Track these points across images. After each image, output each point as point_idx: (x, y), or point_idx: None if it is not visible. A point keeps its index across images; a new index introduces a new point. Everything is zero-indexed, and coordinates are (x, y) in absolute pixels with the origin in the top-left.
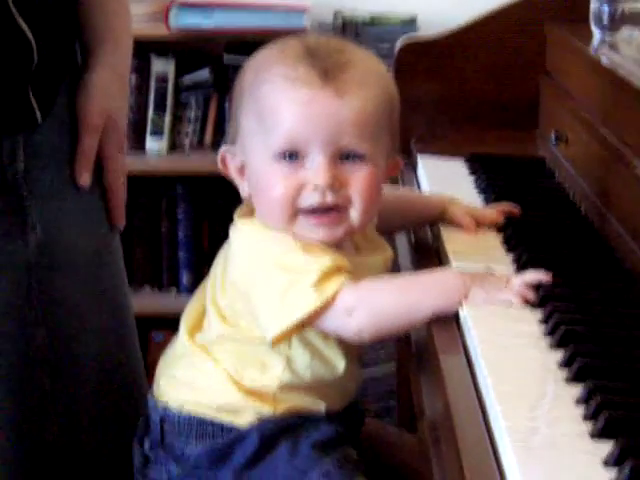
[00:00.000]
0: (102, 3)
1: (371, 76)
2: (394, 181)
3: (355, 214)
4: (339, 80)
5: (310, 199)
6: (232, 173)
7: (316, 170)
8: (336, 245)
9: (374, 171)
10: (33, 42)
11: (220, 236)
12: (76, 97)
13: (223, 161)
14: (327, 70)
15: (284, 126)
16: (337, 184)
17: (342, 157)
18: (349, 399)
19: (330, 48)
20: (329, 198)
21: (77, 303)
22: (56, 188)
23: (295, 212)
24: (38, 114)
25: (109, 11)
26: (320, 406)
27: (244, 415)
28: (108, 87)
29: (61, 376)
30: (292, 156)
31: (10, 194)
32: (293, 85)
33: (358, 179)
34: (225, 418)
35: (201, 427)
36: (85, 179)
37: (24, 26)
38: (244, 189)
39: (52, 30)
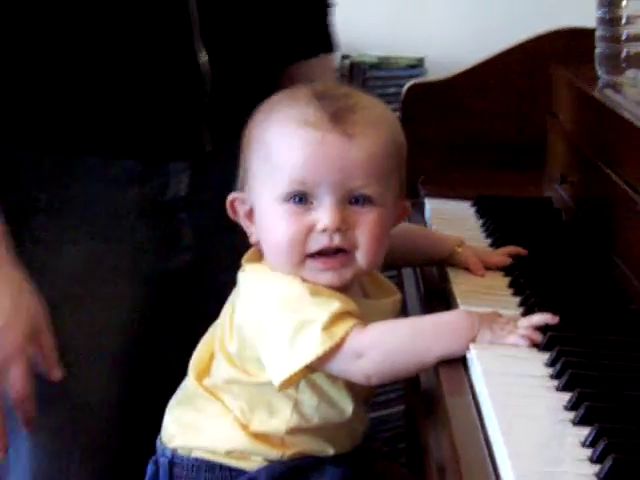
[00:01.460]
0: None
1: (379, 119)
2: None
3: (362, 257)
4: (348, 122)
5: (318, 242)
6: (241, 218)
7: (324, 212)
8: (344, 289)
9: (382, 214)
10: (209, 73)
11: None
12: None
13: (232, 206)
14: (336, 112)
15: (293, 168)
16: (344, 226)
17: (351, 200)
18: (358, 441)
19: (338, 92)
20: (336, 240)
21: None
22: (214, 223)
23: (303, 257)
24: (208, 144)
25: None
26: (328, 449)
27: (252, 459)
28: None
29: None
30: (300, 198)
31: (168, 214)
32: (302, 127)
33: (366, 222)
34: (234, 462)
35: (210, 471)
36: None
37: (202, 57)
38: (253, 234)
39: (231, 61)
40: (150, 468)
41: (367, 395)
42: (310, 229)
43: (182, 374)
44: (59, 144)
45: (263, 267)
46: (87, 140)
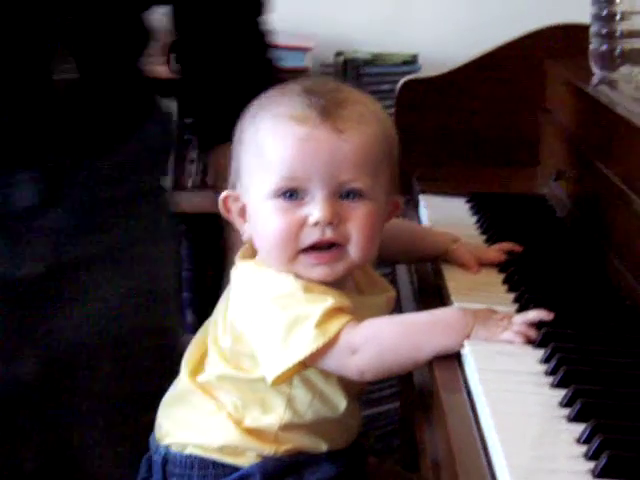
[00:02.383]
0: None
1: (369, 113)
2: None
3: (354, 250)
4: (337, 117)
5: (310, 236)
6: (234, 216)
7: (316, 206)
8: (338, 284)
9: (373, 208)
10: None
11: (223, 276)
12: None
13: (225, 204)
14: (325, 107)
15: (283, 163)
16: (336, 220)
17: (342, 194)
18: (351, 438)
19: (327, 87)
20: (328, 234)
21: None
22: (76, 230)
23: (296, 252)
24: (64, 156)
25: None
26: (322, 445)
27: (246, 455)
28: None
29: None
30: (292, 194)
31: (16, 222)
32: (292, 122)
33: (357, 215)
34: (227, 459)
35: (203, 468)
36: None
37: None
38: (245, 231)
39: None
40: (143, 464)
41: (359, 391)
42: (302, 224)
43: (45, 386)
44: None
45: (256, 264)
46: None
